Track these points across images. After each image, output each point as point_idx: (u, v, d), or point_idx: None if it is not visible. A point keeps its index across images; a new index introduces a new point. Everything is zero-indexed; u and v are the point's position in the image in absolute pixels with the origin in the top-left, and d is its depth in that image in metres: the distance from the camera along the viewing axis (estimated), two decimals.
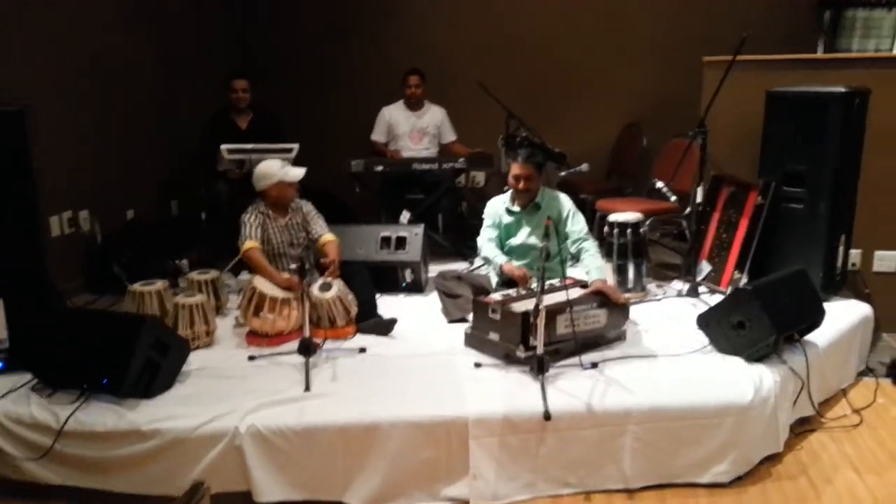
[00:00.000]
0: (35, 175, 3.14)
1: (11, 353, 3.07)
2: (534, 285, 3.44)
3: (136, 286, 3.51)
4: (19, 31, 3.85)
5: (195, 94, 5.43)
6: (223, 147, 4.36)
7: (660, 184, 3.87)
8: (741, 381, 2.84)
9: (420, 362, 3.16)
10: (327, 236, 3.78)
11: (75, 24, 4.25)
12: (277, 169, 3.70)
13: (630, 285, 3.89)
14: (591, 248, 3.56)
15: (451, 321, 3.66)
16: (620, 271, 3.89)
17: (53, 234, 4.10)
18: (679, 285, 4.12)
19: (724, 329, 3.07)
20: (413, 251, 4.23)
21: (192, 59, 5.45)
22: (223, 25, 5.88)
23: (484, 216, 3.85)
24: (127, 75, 4.75)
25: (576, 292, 3.21)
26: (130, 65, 4.79)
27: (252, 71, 5.17)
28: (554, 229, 2.98)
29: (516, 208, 3.75)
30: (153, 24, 5.04)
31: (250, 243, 3.58)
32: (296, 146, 4.35)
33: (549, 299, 2.91)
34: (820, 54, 4.73)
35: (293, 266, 3.44)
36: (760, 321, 2.95)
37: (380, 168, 4.91)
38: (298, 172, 3.73)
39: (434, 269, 4.50)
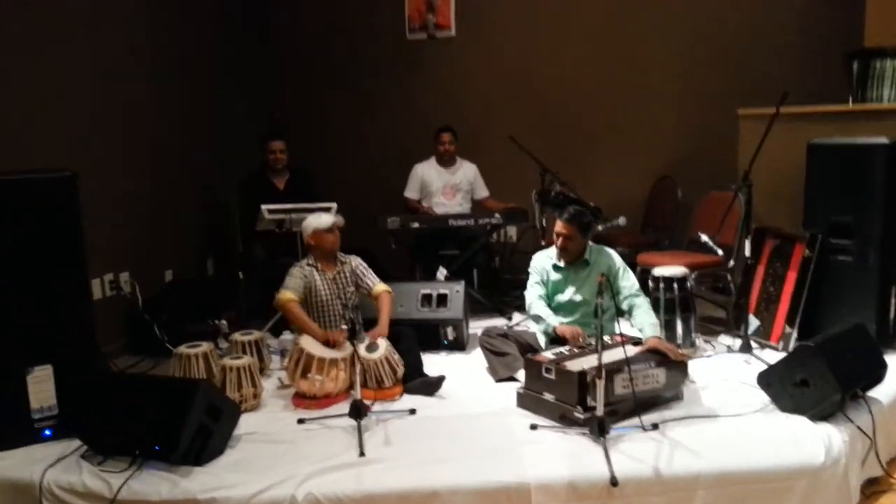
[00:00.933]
0: (83, 240, 3.15)
1: (60, 419, 3.03)
2: (586, 344, 3.39)
3: (182, 348, 3.48)
4: (59, 98, 3.93)
5: (229, 155, 5.49)
6: (264, 207, 4.38)
7: (705, 237, 3.83)
8: (810, 441, 2.75)
9: (473, 424, 3.09)
10: (380, 286, 3.78)
11: (112, 88, 4.34)
12: (313, 219, 3.76)
13: (679, 340, 3.82)
14: (643, 304, 3.51)
15: (499, 380, 3.60)
16: (669, 326, 3.82)
17: (95, 297, 4.09)
18: (727, 340, 4.05)
19: (787, 387, 2.99)
20: (455, 308, 4.19)
21: (225, 119, 5.54)
22: (257, 86, 5.98)
23: (530, 271, 3.81)
24: (161, 137, 4.82)
25: (631, 350, 3.15)
26: (166, 127, 4.86)
27: (285, 130, 5.24)
28: (608, 285, 2.94)
29: (563, 264, 3.71)
30: (188, 87, 5.13)
31: (288, 294, 3.57)
32: (334, 205, 4.37)
33: (606, 357, 2.85)
34: (856, 106, 4.73)
35: (344, 326, 3.41)
36: (825, 379, 2.87)
37: (416, 225, 4.91)
38: (329, 218, 3.75)
39: (472, 326, 4.47)
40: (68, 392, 3.03)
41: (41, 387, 3.02)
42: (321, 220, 3.75)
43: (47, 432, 3.01)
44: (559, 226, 3.64)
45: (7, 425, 2.96)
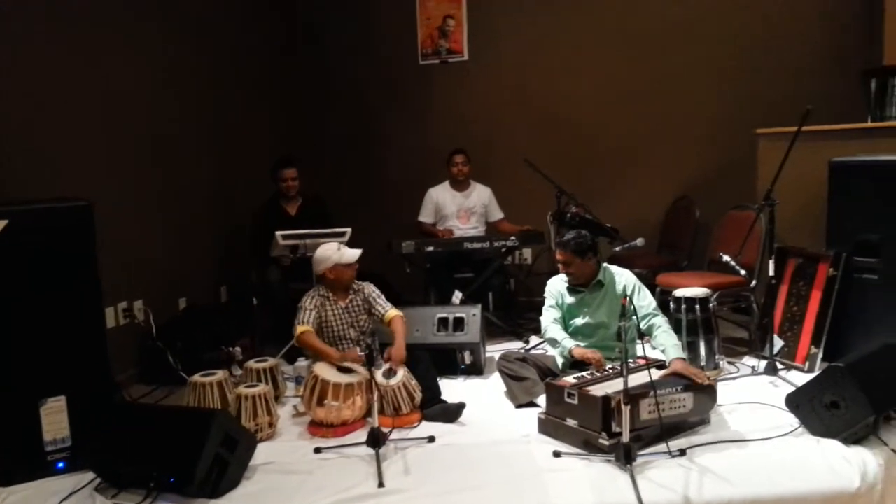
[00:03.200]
0: (97, 269, 3.13)
1: (73, 451, 2.98)
2: (607, 366, 3.32)
3: (197, 377, 3.43)
4: (74, 127, 3.93)
5: (242, 183, 5.49)
6: (278, 234, 4.35)
7: (727, 257, 3.76)
8: (844, 465, 2.66)
9: (494, 451, 3.01)
10: (392, 312, 3.73)
11: (127, 118, 4.34)
12: (333, 252, 3.70)
13: (703, 362, 3.73)
14: (662, 323, 3.44)
15: (519, 406, 3.53)
16: (691, 348, 3.73)
17: (109, 326, 4.06)
18: (751, 361, 3.96)
19: (817, 409, 2.90)
20: (472, 332, 4.13)
21: (238, 145, 5.55)
22: (268, 112, 6.00)
23: (545, 295, 3.75)
24: (176, 165, 4.82)
25: (655, 374, 3.07)
26: (179, 154, 4.86)
27: (298, 156, 5.23)
28: (631, 307, 2.87)
29: (579, 287, 3.65)
30: (202, 115, 5.14)
31: (302, 327, 3.53)
32: (348, 230, 4.34)
33: (630, 381, 2.77)
34: (878, 123, 4.69)
35: (361, 352, 3.36)
36: (857, 400, 2.78)
37: (430, 248, 4.87)
38: (354, 254, 3.70)
39: (488, 349, 4.41)
40: (82, 423, 2.98)
41: (54, 418, 2.97)
42: (345, 254, 3.67)
43: (60, 465, 2.96)
44: (557, 254, 3.64)
45: (20, 458, 2.90)
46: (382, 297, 3.82)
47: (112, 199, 3.95)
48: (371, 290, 3.81)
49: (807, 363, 3.77)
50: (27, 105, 3.62)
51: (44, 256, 2.95)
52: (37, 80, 3.68)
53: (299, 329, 3.53)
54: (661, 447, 2.84)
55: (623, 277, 3.63)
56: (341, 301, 3.70)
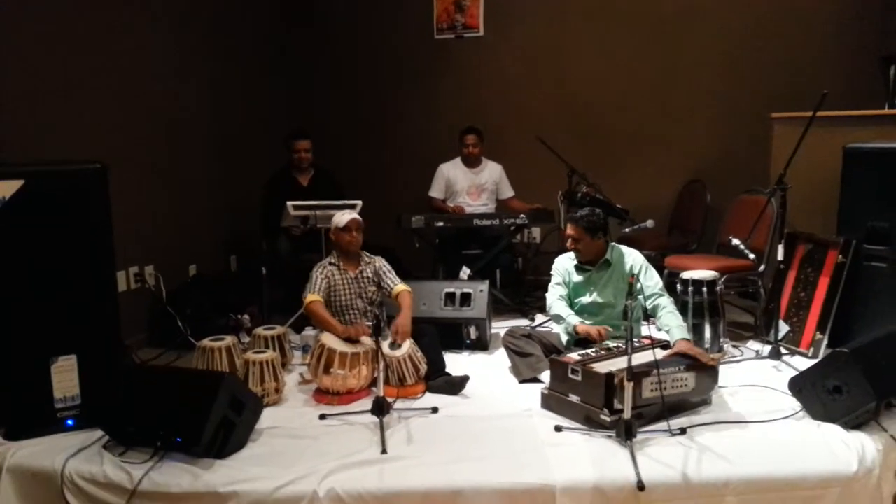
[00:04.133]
0: (111, 232, 3.16)
1: (83, 409, 3.03)
2: (611, 345, 3.34)
3: (206, 342, 3.48)
4: (87, 93, 3.95)
5: (253, 152, 5.51)
6: (290, 203, 4.37)
7: (736, 241, 3.75)
8: (843, 449, 2.67)
9: (496, 424, 3.05)
10: (400, 286, 3.75)
11: (139, 83, 4.36)
12: (336, 216, 3.75)
13: (707, 345, 3.75)
14: (667, 304, 3.45)
15: (523, 381, 3.56)
16: (697, 330, 3.75)
17: (120, 290, 4.10)
18: (756, 345, 3.97)
19: (819, 394, 2.91)
20: (478, 308, 4.15)
21: (250, 116, 5.56)
22: (281, 84, 6.00)
23: (552, 273, 3.77)
24: (188, 133, 4.85)
25: (659, 353, 3.09)
26: (192, 123, 4.89)
27: (310, 129, 5.24)
28: (638, 286, 2.89)
29: (586, 266, 3.67)
30: (215, 84, 5.15)
31: (312, 297, 3.56)
32: (359, 203, 4.35)
33: (634, 360, 2.79)
34: (892, 110, 4.63)
35: (368, 323, 3.39)
36: (860, 386, 2.79)
37: (440, 224, 4.88)
38: (343, 218, 3.71)
39: (494, 326, 4.43)
40: (92, 382, 3.03)
41: (65, 377, 3.02)
42: (338, 217, 3.73)
43: (70, 422, 3.01)
44: (568, 228, 3.65)
45: (30, 414, 2.96)
46: (393, 272, 3.84)
47: (125, 165, 3.98)
48: (382, 263, 3.84)
49: (811, 349, 3.77)
50: (37, 70, 3.63)
51: (58, 217, 2.97)
52: (47, 48, 3.70)
53: (309, 298, 3.56)
54: (662, 425, 2.87)
55: (631, 257, 3.64)
56: (351, 271, 3.73)
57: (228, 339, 3.51)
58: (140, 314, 4.35)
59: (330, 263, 3.72)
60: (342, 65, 6.18)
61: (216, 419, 2.69)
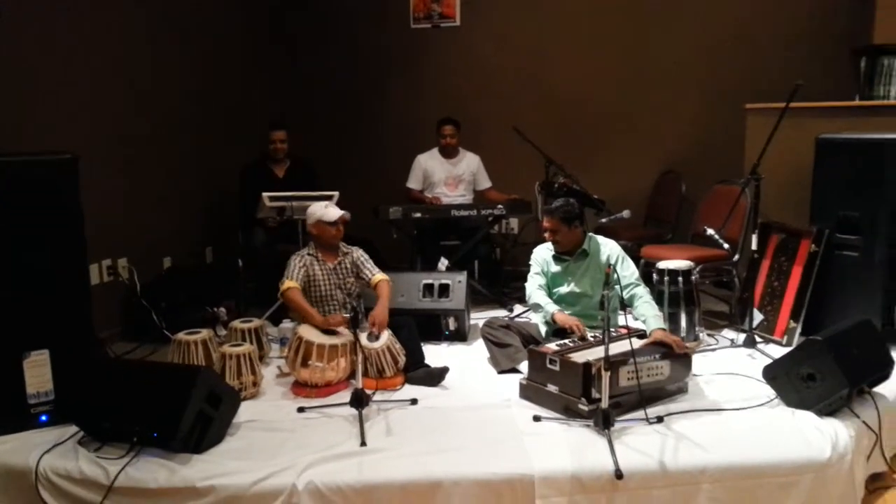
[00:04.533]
0: (82, 224, 3.10)
1: (57, 405, 2.99)
2: (589, 335, 3.36)
3: (181, 335, 3.44)
4: (58, 83, 3.87)
5: (230, 143, 5.44)
6: (265, 195, 4.34)
7: (711, 231, 3.79)
8: (816, 436, 2.72)
9: (475, 415, 3.05)
10: (379, 276, 3.74)
11: (112, 73, 4.28)
12: (320, 208, 3.71)
13: (683, 334, 3.78)
14: (644, 293, 3.48)
15: (501, 371, 3.57)
16: (672, 320, 3.78)
17: (93, 283, 4.04)
18: (731, 334, 4.02)
19: (794, 381, 2.96)
20: (457, 299, 4.16)
21: (226, 108, 5.49)
22: (258, 75, 5.93)
23: (531, 263, 3.78)
24: (163, 124, 4.77)
25: (637, 343, 3.12)
26: (167, 114, 4.81)
27: (286, 119, 5.19)
28: (615, 276, 2.90)
29: (564, 256, 3.68)
30: (189, 74, 5.08)
31: (289, 283, 3.54)
32: (336, 193, 4.33)
33: (611, 349, 2.80)
34: (867, 101, 4.71)
35: (346, 314, 3.38)
36: (833, 374, 2.84)
37: (418, 215, 4.87)
38: (335, 213, 3.69)
39: (473, 317, 4.44)
40: (65, 377, 2.99)
41: (38, 371, 2.97)
42: (328, 212, 3.67)
43: (43, 418, 2.97)
44: (544, 220, 3.66)
45: (3, 410, 2.91)
46: (371, 262, 3.83)
47: (97, 155, 3.91)
48: (360, 254, 3.82)
49: (785, 337, 3.83)
50: (9, 58, 3.55)
51: (28, 209, 2.91)
52: (19, 35, 3.61)
53: (286, 284, 3.53)
54: (640, 414, 2.89)
55: (608, 247, 3.66)
56: (330, 262, 3.71)
57: (204, 333, 3.48)
58: (114, 308, 4.29)
59: (308, 254, 3.69)
60: (319, 55, 6.12)
61: (193, 413, 2.67)
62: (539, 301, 3.60)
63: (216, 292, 4.58)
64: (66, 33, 3.93)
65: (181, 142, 4.99)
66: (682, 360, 3.14)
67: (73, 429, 2.85)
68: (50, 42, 3.81)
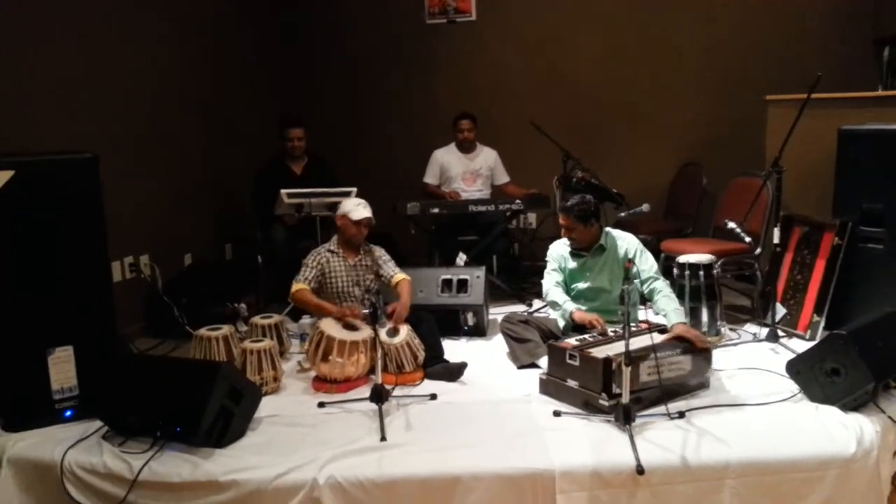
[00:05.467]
0: (104, 222, 3.13)
1: (81, 400, 3.02)
2: (609, 330, 3.34)
3: (203, 331, 3.47)
4: (77, 82, 3.91)
5: (249, 141, 5.47)
6: (283, 191, 4.35)
7: (732, 224, 3.75)
8: (841, 431, 2.68)
9: (495, 410, 3.05)
10: (399, 275, 3.76)
11: (133, 75, 4.32)
12: (352, 205, 3.75)
13: (704, 328, 3.75)
14: (663, 288, 3.45)
15: (521, 367, 3.56)
16: (693, 314, 3.75)
17: (115, 280, 4.08)
18: (753, 328, 3.98)
19: (817, 376, 2.92)
20: (475, 294, 4.15)
21: (243, 106, 5.52)
22: (275, 73, 5.95)
23: (547, 259, 3.77)
24: (182, 121, 4.81)
25: (657, 337, 3.09)
26: (185, 111, 4.85)
27: (303, 116, 5.21)
28: (634, 270, 2.88)
29: (581, 252, 3.66)
30: (207, 74, 5.11)
31: (297, 286, 3.58)
32: (354, 190, 4.33)
33: (631, 344, 2.79)
34: (890, 91, 4.63)
35: (365, 311, 3.39)
36: (857, 368, 2.80)
37: (436, 210, 4.87)
38: (361, 213, 3.71)
39: (491, 312, 4.43)
40: (90, 373, 3.02)
41: (62, 367, 3.01)
42: (356, 211, 3.70)
43: (68, 413, 3.01)
44: (560, 218, 3.64)
45: (28, 406, 2.95)
46: (392, 261, 3.86)
47: (118, 155, 3.96)
48: (381, 253, 3.85)
49: (808, 331, 3.79)
50: (24, 60, 3.59)
51: (50, 208, 2.95)
52: (34, 37, 3.65)
53: (295, 287, 3.57)
54: (661, 409, 2.87)
55: (625, 241, 3.64)
56: (350, 258, 3.74)
57: (225, 329, 3.50)
58: (136, 304, 4.34)
59: (327, 250, 3.72)
60: (335, 50, 6.13)
61: (215, 408, 2.69)
62: (556, 299, 3.58)
63: (236, 288, 4.62)
64: (87, 33, 3.96)
65: (200, 140, 5.03)
66: (702, 354, 3.11)
67: (98, 424, 2.89)
68: (70, 43, 3.85)
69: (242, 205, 5.22)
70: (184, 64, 4.85)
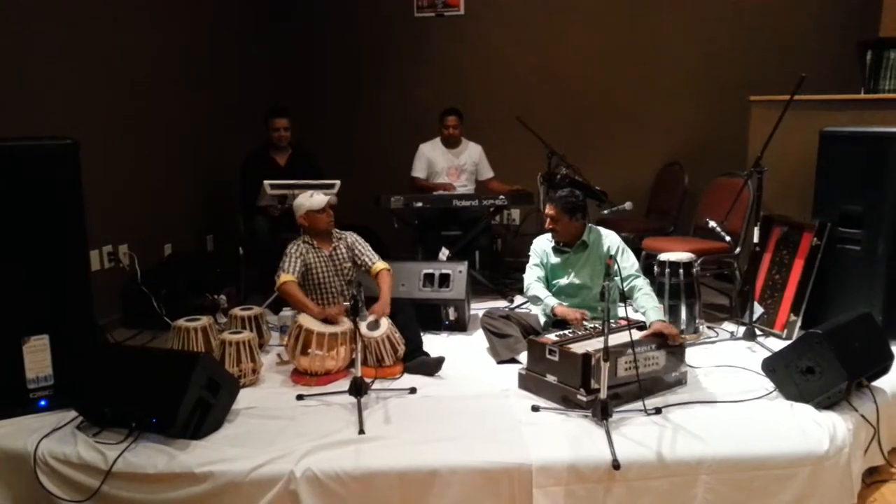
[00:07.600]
0: (83, 210, 3.10)
1: (56, 390, 2.99)
2: (589, 326, 3.35)
3: (181, 322, 3.44)
4: (60, 70, 3.86)
5: (231, 131, 5.43)
6: (266, 182, 4.33)
7: (713, 223, 3.78)
8: (815, 429, 2.71)
9: (474, 404, 3.05)
10: (379, 264, 3.74)
11: (114, 61, 4.27)
12: (305, 199, 3.70)
13: (683, 326, 3.78)
14: (643, 286, 3.47)
15: (500, 362, 3.57)
16: (673, 312, 3.78)
17: (93, 269, 4.04)
18: (731, 327, 4.02)
19: (793, 374, 2.95)
20: (457, 289, 4.15)
21: (227, 95, 5.48)
22: (259, 61, 5.91)
23: (530, 254, 3.77)
24: (162, 112, 4.76)
25: (636, 334, 3.11)
26: (166, 101, 4.80)
27: (289, 107, 5.18)
28: (615, 267, 2.90)
29: (564, 247, 3.67)
30: (190, 62, 5.06)
31: (285, 276, 3.54)
32: (337, 182, 4.32)
33: (611, 341, 2.80)
34: (872, 95, 4.68)
35: (345, 302, 3.38)
36: (832, 367, 2.83)
37: (419, 204, 4.86)
38: (321, 199, 3.68)
39: (473, 307, 4.44)
40: (65, 362, 2.99)
41: (37, 356, 2.98)
42: (313, 200, 3.66)
43: (43, 403, 2.97)
44: (547, 207, 3.64)
45: (2, 395, 2.91)
46: (368, 247, 3.82)
47: (99, 142, 3.91)
48: (354, 238, 3.81)
49: (785, 331, 3.83)
50: (4, 39, 3.54)
51: (28, 195, 2.91)
52: (11, 21, 3.59)
53: (282, 278, 3.53)
54: (638, 405, 2.89)
55: (608, 239, 3.66)
56: (325, 249, 3.71)
57: (204, 320, 3.48)
58: (114, 294, 4.30)
59: (304, 242, 3.69)
60: (322, 43, 6.10)
61: (192, 400, 2.67)
62: (538, 294, 3.59)
63: (217, 280, 4.58)
64: (65, 17, 3.91)
65: (182, 129, 4.98)
66: (675, 350, 3.14)
67: (72, 414, 2.86)
68: (48, 26, 3.79)
69: (225, 196, 5.19)
70: (167, 51, 4.80)
